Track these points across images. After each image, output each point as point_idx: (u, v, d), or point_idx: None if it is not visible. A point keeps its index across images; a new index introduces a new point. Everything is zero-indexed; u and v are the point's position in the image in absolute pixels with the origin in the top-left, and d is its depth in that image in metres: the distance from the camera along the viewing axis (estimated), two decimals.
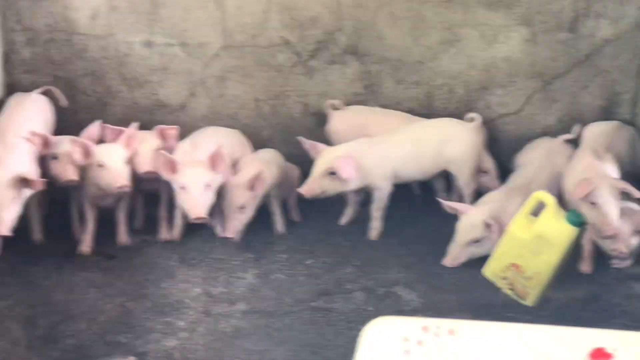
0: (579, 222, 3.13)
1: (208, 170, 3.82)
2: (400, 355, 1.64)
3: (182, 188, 3.80)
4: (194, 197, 3.78)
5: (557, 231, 3.16)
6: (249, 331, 3.45)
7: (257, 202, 3.97)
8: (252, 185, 3.88)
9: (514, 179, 4.03)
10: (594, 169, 3.80)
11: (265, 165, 4.04)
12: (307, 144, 4.03)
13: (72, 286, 3.73)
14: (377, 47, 4.33)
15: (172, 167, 3.83)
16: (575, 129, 4.27)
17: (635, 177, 4.18)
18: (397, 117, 4.31)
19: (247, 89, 4.45)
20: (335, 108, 4.33)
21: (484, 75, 4.34)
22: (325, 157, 3.92)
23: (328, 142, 4.16)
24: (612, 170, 3.86)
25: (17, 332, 3.42)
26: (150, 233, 4.11)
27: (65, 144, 3.92)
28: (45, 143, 3.92)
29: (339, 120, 4.30)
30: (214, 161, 3.84)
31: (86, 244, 3.96)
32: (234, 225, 3.92)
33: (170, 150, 4.00)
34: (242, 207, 3.90)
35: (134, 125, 4.08)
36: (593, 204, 3.64)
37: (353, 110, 4.34)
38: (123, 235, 4.05)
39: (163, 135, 4.08)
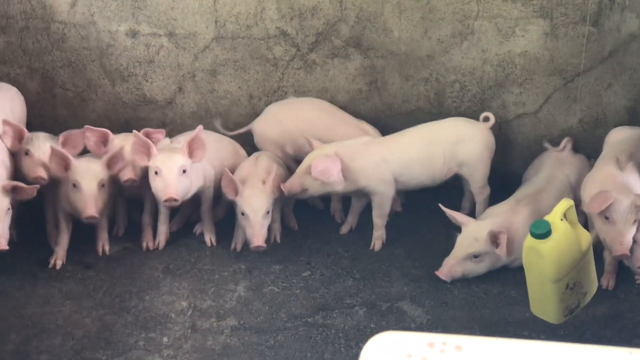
0: (536, 234, 3.23)
1: (184, 156, 3.86)
2: None
3: (156, 173, 3.84)
4: (166, 180, 3.80)
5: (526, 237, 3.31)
6: (239, 349, 3.47)
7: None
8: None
9: (521, 191, 4.05)
10: (614, 180, 3.79)
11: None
12: (307, 141, 4.10)
13: (47, 298, 3.76)
14: (383, 40, 4.33)
15: (147, 151, 3.87)
16: (564, 141, 4.30)
17: None
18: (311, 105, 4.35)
19: (241, 84, 4.46)
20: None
21: (500, 71, 4.34)
22: (310, 154, 3.99)
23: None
24: (634, 182, 3.84)
25: None
26: (133, 240, 4.13)
27: (40, 140, 3.97)
28: (19, 137, 3.96)
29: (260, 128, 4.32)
30: (192, 147, 3.89)
31: (59, 257, 3.97)
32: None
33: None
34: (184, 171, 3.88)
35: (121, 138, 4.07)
36: (608, 219, 3.65)
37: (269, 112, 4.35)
38: (104, 243, 4.06)
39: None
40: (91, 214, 3.81)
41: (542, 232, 3.24)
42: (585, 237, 3.37)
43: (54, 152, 3.86)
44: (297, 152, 4.22)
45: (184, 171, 3.84)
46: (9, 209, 3.71)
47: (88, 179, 3.84)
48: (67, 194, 3.87)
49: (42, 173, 3.90)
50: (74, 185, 3.83)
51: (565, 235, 3.32)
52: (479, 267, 3.81)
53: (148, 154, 3.88)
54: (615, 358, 1.68)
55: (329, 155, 3.90)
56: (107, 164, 3.91)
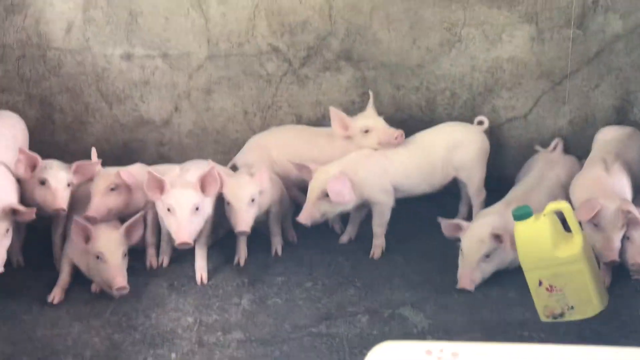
0: (515, 215, 3.34)
1: (197, 192, 3.79)
2: None
3: (169, 210, 3.77)
4: (180, 221, 3.73)
5: None
6: None
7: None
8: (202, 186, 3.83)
9: (512, 193, 4.04)
10: (601, 185, 3.79)
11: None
12: (296, 165, 4.06)
13: (55, 320, 3.74)
14: (373, 52, 4.36)
15: (160, 187, 3.79)
16: (554, 142, 4.32)
17: None
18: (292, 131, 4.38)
19: (235, 101, 4.48)
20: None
21: (489, 77, 4.38)
22: (317, 179, 3.94)
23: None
24: (621, 185, 3.85)
25: None
26: (137, 260, 4.07)
27: (54, 170, 3.90)
28: (33, 165, 3.91)
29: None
30: (205, 183, 3.81)
31: (56, 297, 3.84)
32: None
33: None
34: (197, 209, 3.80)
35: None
36: (596, 225, 3.65)
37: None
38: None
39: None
40: (123, 284, 3.70)
41: (519, 213, 3.33)
42: (571, 247, 3.32)
43: (76, 223, 3.76)
44: (285, 174, 4.21)
45: (197, 209, 3.76)
46: (7, 230, 3.67)
47: (112, 250, 3.72)
48: (90, 264, 3.76)
49: (64, 204, 3.85)
50: (98, 257, 3.72)
51: (539, 226, 3.34)
52: (493, 265, 3.81)
53: (161, 189, 3.78)
54: (611, 358, 1.72)
55: (337, 177, 3.90)
56: (126, 232, 3.81)
